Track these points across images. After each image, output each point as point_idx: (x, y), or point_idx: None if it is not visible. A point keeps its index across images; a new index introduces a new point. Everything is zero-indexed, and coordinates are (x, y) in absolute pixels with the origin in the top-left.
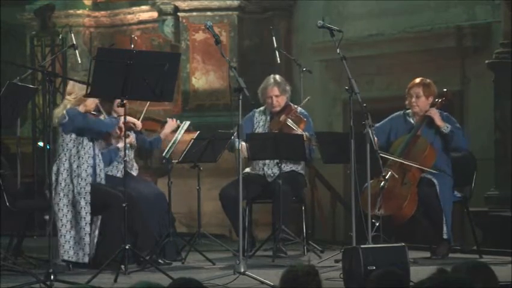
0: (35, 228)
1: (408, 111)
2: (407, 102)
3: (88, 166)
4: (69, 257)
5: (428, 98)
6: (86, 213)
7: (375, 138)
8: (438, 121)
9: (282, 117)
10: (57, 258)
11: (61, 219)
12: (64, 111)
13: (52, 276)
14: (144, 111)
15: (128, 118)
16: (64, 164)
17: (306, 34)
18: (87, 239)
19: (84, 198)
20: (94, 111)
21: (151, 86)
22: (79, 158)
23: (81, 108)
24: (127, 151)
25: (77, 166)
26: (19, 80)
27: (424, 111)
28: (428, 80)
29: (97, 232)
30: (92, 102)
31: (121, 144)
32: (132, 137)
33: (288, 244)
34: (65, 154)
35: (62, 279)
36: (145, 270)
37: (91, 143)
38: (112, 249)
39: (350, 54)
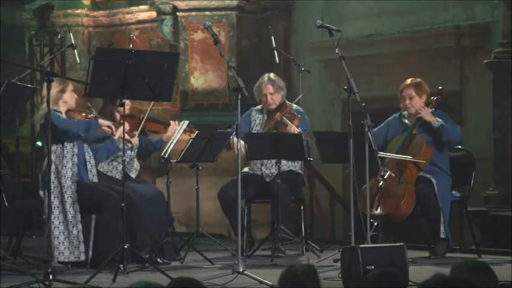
0: (34, 228)
1: (404, 112)
2: (401, 105)
3: (72, 164)
4: (65, 258)
5: (421, 97)
6: (75, 211)
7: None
8: (428, 116)
9: (277, 115)
10: (54, 261)
11: (53, 221)
12: (42, 114)
13: (51, 276)
14: (148, 112)
15: (102, 122)
16: (51, 165)
17: (305, 34)
18: (81, 236)
19: (71, 197)
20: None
21: (150, 85)
22: (63, 157)
23: (61, 107)
24: (128, 152)
25: (62, 166)
26: (18, 79)
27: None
28: (418, 79)
29: (92, 232)
30: (70, 98)
31: (117, 136)
32: (135, 139)
33: (286, 244)
34: (51, 155)
35: (61, 279)
36: (143, 270)
37: (74, 142)
38: (108, 249)
39: (349, 54)
